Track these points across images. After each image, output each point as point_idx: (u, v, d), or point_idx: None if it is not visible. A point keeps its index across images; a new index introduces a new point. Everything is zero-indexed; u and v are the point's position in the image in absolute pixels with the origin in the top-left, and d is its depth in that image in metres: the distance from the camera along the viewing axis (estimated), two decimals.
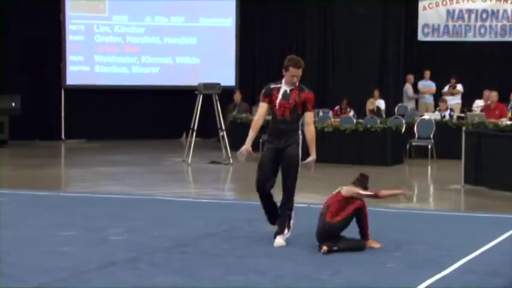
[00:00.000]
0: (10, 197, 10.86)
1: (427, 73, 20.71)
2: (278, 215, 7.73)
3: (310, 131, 7.74)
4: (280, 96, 7.70)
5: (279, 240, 7.62)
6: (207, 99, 16.06)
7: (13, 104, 18.99)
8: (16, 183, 12.53)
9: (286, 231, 7.68)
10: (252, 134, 7.80)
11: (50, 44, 20.21)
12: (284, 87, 7.73)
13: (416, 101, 21.01)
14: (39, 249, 7.39)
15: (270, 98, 7.74)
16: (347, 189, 7.51)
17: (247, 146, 7.74)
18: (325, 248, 7.21)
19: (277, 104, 7.69)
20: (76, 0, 20.38)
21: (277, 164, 7.71)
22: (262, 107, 7.81)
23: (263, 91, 7.83)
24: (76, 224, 8.66)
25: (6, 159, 16.76)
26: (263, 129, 8.21)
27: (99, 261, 6.85)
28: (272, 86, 7.82)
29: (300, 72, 7.72)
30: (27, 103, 19.25)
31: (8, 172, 14.57)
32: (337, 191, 7.60)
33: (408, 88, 20.90)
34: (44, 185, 12.67)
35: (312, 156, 7.73)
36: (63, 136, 20.53)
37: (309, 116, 7.77)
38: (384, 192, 7.71)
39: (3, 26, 19.65)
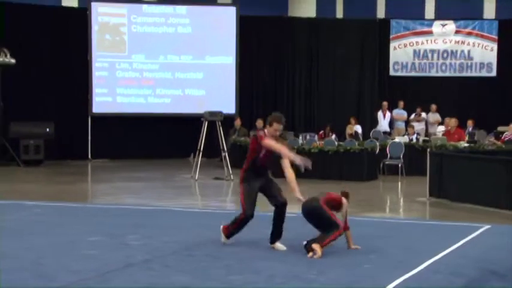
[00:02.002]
0: (45, 208, 10.85)
1: (401, 103, 20.82)
2: (277, 226, 7.60)
3: (289, 175, 7.44)
4: (264, 150, 7.44)
5: (282, 245, 7.58)
6: (212, 125, 16.10)
7: (47, 130, 19.07)
8: (50, 197, 12.51)
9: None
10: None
11: (79, 78, 20.24)
12: None
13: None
14: (69, 252, 7.35)
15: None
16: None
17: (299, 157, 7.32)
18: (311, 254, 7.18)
19: (261, 156, 7.46)
20: (101, 42, 20.45)
21: None
22: (273, 140, 7.36)
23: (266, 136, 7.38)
24: (101, 231, 8.63)
25: (41, 176, 16.78)
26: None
27: (119, 262, 6.82)
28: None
29: (282, 127, 7.48)
30: (59, 129, 19.32)
31: (43, 187, 14.56)
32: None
33: (430, 116, 20.58)
34: (73, 198, 12.65)
35: (297, 196, 7.36)
36: (89, 156, 20.50)
37: (285, 162, 7.43)
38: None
39: (40, 68, 19.72)
